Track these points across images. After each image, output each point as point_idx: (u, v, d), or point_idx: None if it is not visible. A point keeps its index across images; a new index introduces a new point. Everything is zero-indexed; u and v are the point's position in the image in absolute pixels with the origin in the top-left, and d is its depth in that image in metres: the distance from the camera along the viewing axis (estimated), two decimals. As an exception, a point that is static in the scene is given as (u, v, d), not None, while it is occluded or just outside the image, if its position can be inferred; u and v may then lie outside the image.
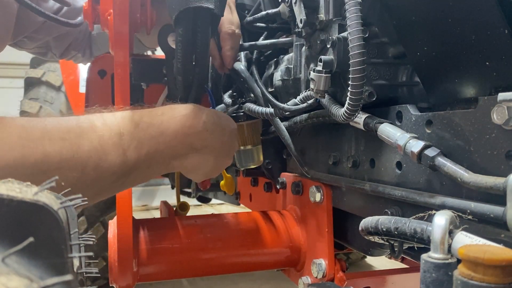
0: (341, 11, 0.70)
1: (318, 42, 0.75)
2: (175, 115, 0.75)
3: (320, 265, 0.91)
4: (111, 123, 0.70)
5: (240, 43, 1.02)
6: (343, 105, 0.68)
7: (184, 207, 1.37)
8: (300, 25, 0.76)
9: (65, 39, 1.34)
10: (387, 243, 0.62)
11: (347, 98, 0.65)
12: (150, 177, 0.76)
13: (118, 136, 0.69)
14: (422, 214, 0.59)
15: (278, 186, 1.12)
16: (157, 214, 4.11)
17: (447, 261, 0.43)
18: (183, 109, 0.77)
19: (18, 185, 0.34)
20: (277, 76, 0.92)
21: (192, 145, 0.76)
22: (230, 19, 0.95)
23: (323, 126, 0.91)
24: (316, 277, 0.93)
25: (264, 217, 1.04)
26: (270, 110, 0.89)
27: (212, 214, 1.11)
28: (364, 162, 0.77)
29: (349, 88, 0.64)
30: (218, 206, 4.66)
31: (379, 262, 2.99)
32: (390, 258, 1.34)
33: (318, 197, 0.91)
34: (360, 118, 0.69)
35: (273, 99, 0.88)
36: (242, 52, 1.04)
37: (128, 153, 0.69)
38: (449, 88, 0.61)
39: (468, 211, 0.52)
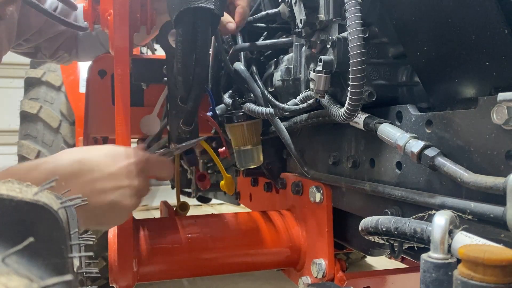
0: (341, 11, 0.70)
1: (318, 42, 0.75)
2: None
3: (320, 265, 0.91)
4: None
5: (240, 43, 1.02)
6: (343, 105, 0.68)
7: (184, 207, 1.37)
8: (300, 25, 0.76)
9: (57, 40, 1.34)
10: (387, 243, 0.62)
11: (347, 98, 0.65)
12: None
13: None
14: (422, 214, 0.59)
15: (278, 186, 1.12)
16: (157, 214, 4.10)
17: (447, 261, 0.43)
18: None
19: (18, 185, 0.34)
20: (277, 76, 0.92)
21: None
22: None
23: (323, 126, 0.91)
24: (316, 277, 0.93)
25: (264, 217, 1.04)
26: (270, 110, 0.89)
27: (212, 214, 1.11)
28: (364, 162, 0.77)
29: (349, 88, 0.64)
30: (218, 206, 4.66)
31: (379, 262, 2.99)
32: (390, 258, 1.34)
33: (318, 197, 0.91)
34: (360, 118, 0.69)
35: (273, 99, 0.88)
36: (242, 52, 1.04)
37: None
38: (449, 88, 0.61)
39: (468, 211, 0.52)
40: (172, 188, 2.42)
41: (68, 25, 1.11)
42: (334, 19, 0.71)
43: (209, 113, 1.01)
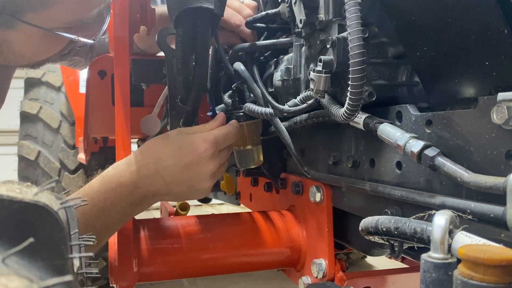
0: (341, 11, 0.70)
1: (318, 42, 0.75)
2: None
3: (320, 265, 0.91)
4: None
5: (240, 43, 1.02)
6: (343, 105, 0.68)
7: (184, 207, 1.37)
8: (300, 25, 0.76)
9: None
10: (387, 243, 0.62)
11: (347, 98, 0.65)
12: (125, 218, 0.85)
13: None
14: (422, 214, 0.59)
15: (278, 186, 1.12)
16: (157, 214, 4.11)
17: (447, 261, 0.43)
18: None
19: (18, 186, 0.34)
20: (277, 76, 0.92)
21: (145, 192, 0.82)
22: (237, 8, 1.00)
23: (323, 126, 0.91)
24: (316, 277, 0.93)
25: (264, 217, 1.04)
26: (270, 110, 0.89)
27: (212, 214, 1.11)
28: (364, 162, 0.77)
29: (349, 88, 0.64)
30: (218, 206, 4.66)
31: (379, 262, 2.99)
32: (390, 258, 1.34)
33: (318, 197, 0.91)
34: (360, 118, 0.69)
35: (272, 101, 0.88)
36: (241, 52, 1.03)
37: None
38: (449, 88, 0.61)
39: (468, 211, 0.52)
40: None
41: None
42: (334, 19, 0.71)
43: (209, 113, 1.01)
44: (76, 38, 0.87)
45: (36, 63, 0.96)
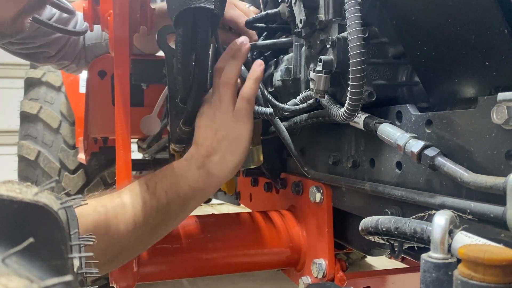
0: (341, 11, 0.70)
1: (318, 42, 0.75)
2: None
3: (320, 265, 0.91)
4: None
5: None
6: (343, 105, 0.68)
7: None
8: (300, 25, 0.76)
9: (49, 47, 1.33)
10: (387, 243, 0.62)
11: (347, 98, 0.65)
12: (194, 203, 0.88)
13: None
14: (422, 214, 0.59)
15: (278, 186, 1.12)
16: (157, 214, 4.10)
17: (447, 261, 0.43)
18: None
19: (18, 186, 0.34)
20: (277, 76, 0.92)
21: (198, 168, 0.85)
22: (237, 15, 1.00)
23: (323, 126, 0.91)
24: (316, 277, 0.93)
25: (264, 217, 1.04)
26: (270, 110, 0.89)
27: (212, 214, 1.11)
28: (364, 162, 0.77)
29: (349, 88, 0.64)
30: (218, 206, 4.66)
31: (379, 262, 2.99)
32: (390, 258, 1.34)
33: (318, 197, 0.91)
34: (360, 118, 0.69)
35: (273, 99, 0.88)
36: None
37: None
38: (449, 88, 0.61)
39: (468, 211, 0.52)
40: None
41: (65, 32, 1.12)
42: (334, 19, 0.71)
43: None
44: None
45: (9, 27, 0.94)
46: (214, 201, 2.68)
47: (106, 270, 0.82)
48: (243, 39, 0.89)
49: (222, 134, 0.85)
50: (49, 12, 1.23)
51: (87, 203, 0.68)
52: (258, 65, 0.87)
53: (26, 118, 2.44)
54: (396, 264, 1.23)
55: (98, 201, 0.78)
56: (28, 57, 1.34)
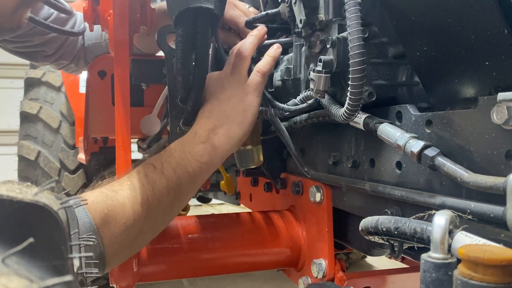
0: (341, 11, 0.70)
1: (318, 42, 0.75)
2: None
3: (320, 265, 0.91)
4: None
5: None
6: (343, 105, 0.68)
7: (184, 207, 1.37)
8: (300, 25, 0.76)
9: (45, 46, 1.33)
10: (387, 243, 0.62)
11: (347, 98, 0.65)
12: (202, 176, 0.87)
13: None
14: (422, 214, 0.59)
15: (278, 186, 1.12)
16: (157, 214, 4.10)
17: (447, 261, 0.43)
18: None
19: (18, 186, 0.34)
20: (277, 76, 0.92)
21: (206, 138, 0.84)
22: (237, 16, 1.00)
23: (323, 126, 0.91)
24: (316, 277, 0.93)
25: (264, 217, 1.04)
26: (270, 110, 0.89)
27: (212, 214, 1.11)
28: (364, 162, 0.77)
29: (349, 88, 0.64)
30: (218, 206, 4.67)
31: (379, 262, 2.99)
32: (390, 258, 1.34)
33: (318, 197, 0.91)
34: (360, 118, 0.69)
35: (273, 99, 0.88)
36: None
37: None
38: (449, 88, 0.61)
39: (468, 211, 0.52)
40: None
41: (54, 30, 1.12)
42: (333, 19, 0.71)
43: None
44: None
45: (9, 19, 0.93)
46: (214, 201, 2.68)
47: (125, 256, 0.81)
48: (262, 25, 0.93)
49: (231, 105, 0.85)
50: (47, 12, 1.23)
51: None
52: (277, 47, 0.90)
53: (26, 118, 2.44)
54: (396, 264, 1.23)
55: (107, 188, 0.78)
56: (26, 56, 1.34)
